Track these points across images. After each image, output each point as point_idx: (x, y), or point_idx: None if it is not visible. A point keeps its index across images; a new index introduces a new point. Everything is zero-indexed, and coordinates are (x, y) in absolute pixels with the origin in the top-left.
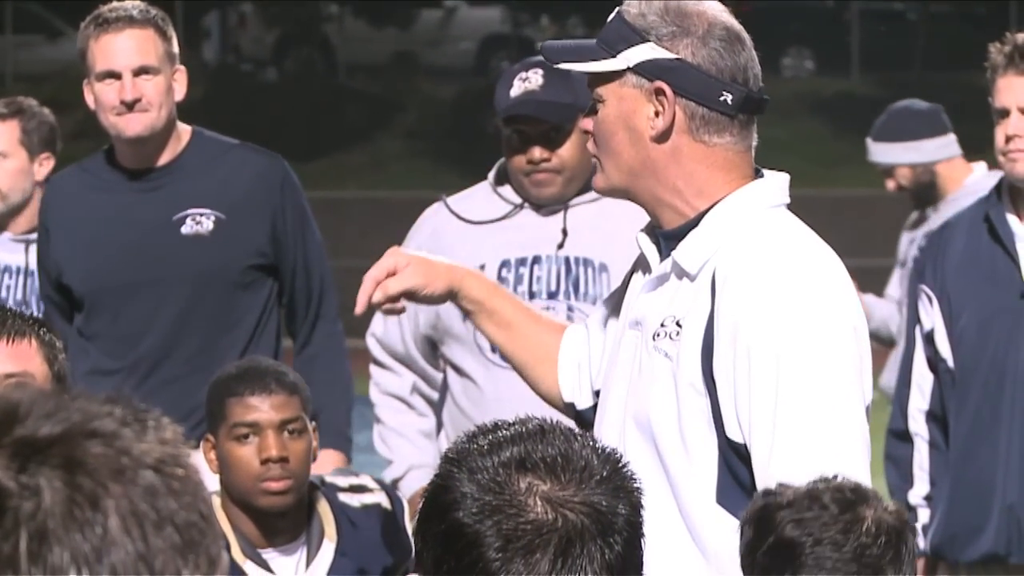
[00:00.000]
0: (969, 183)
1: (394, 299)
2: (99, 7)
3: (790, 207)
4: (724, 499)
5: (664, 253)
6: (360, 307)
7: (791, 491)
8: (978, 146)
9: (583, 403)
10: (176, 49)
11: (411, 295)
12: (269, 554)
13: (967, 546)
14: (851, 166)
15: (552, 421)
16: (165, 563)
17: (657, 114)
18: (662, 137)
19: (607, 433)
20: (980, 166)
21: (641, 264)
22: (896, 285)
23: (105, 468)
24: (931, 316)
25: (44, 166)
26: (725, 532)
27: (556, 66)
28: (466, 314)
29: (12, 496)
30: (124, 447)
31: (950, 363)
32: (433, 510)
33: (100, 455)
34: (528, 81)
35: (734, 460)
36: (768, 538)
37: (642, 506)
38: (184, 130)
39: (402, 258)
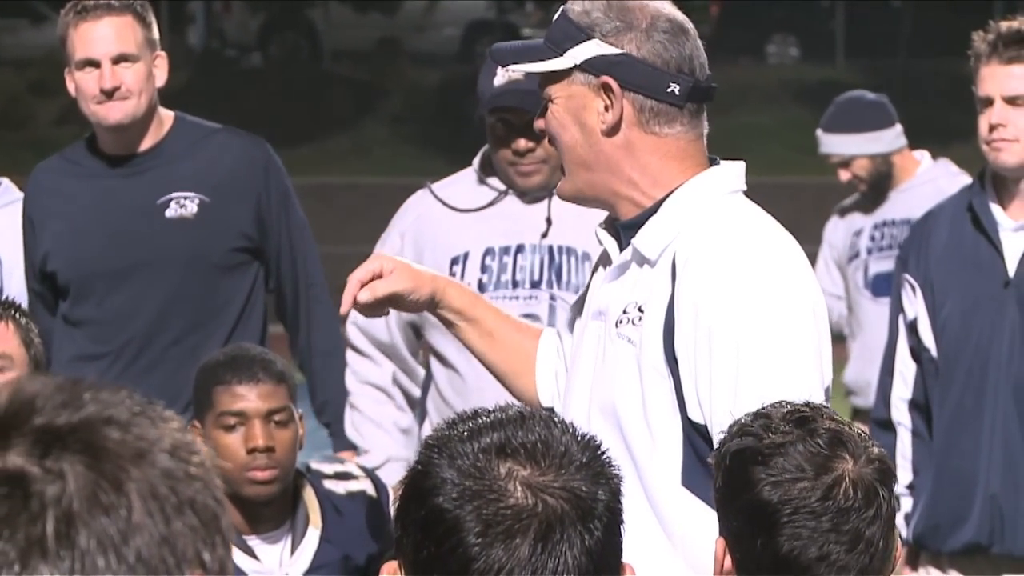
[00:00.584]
0: (921, 172)
1: (380, 302)
2: None
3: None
4: (689, 481)
5: (624, 243)
6: (345, 307)
7: (767, 440)
8: (963, 134)
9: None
10: (156, 35)
11: (397, 299)
12: (254, 541)
13: (949, 536)
14: None
15: (532, 408)
16: (186, 545)
17: (607, 108)
18: (613, 131)
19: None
20: (924, 155)
21: (602, 259)
22: (826, 276)
23: (125, 453)
24: (914, 305)
25: None
26: (691, 515)
27: (506, 68)
28: (446, 324)
29: (37, 480)
30: (141, 433)
31: (933, 352)
32: (413, 495)
33: (119, 441)
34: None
35: (698, 441)
36: (743, 494)
37: (621, 492)
38: (166, 115)
39: (388, 262)
